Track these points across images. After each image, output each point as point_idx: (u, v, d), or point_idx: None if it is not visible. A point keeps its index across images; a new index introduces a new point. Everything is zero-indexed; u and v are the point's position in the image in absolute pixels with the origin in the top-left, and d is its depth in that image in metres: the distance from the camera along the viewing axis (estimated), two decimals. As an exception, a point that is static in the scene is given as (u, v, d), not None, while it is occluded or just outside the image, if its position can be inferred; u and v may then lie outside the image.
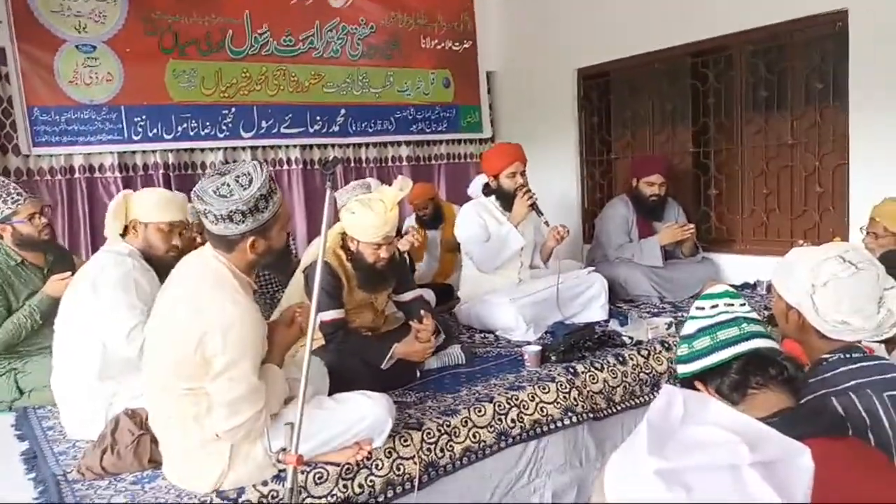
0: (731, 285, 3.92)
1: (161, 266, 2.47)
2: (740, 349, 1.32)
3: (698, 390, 1.34)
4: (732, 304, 1.40)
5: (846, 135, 3.50)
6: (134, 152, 4.11)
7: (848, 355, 1.44)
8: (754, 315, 1.40)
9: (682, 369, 1.40)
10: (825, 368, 1.45)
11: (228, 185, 1.76)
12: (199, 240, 3.26)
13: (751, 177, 4.08)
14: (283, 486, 1.81)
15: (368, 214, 2.53)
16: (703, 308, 1.42)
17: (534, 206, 3.36)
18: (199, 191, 1.78)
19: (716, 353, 1.34)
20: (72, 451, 2.23)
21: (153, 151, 4.16)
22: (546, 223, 3.42)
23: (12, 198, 2.80)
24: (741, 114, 4.07)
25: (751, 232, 4.14)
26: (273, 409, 1.87)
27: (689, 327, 1.42)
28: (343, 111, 4.82)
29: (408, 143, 5.20)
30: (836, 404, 1.35)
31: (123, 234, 2.55)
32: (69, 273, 2.79)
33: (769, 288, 3.71)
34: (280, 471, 1.90)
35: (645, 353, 2.92)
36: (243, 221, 1.76)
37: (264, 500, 1.85)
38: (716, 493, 0.68)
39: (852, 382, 1.38)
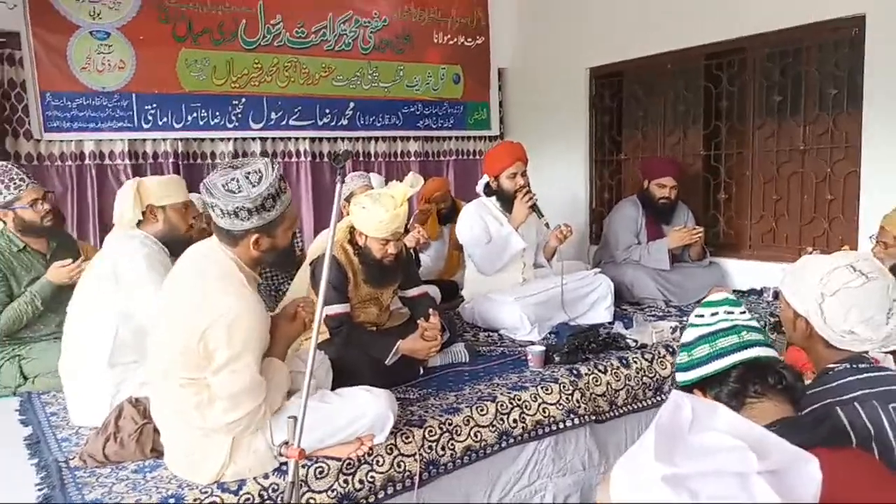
0: (738, 291, 3.96)
1: (180, 249, 2.48)
2: (739, 357, 1.32)
3: None
4: (732, 312, 1.39)
5: (859, 142, 3.47)
6: (144, 140, 4.12)
7: (854, 365, 1.43)
8: (754, 323, 1.40)
9: (682, 377, 1.40)
10: (831, 378, 1.44)
11: (237, 181, 1.76)
12: (207, 230, 3.27)
13: (761, 182, 4.06)
14: (284, 479, 1.84)
15: (378, 210, 2.53)
16: (702, 316, 1.42)
17: (534, 208, 3.34)
18: (208, 184, 1.79)
19: (715, 361, 1.34)
20: (74, 437, 2.24)
21: (163, 140, 4.17)
22: (546, 225, 3.40)
23: (14, 183, 2.79)
24: (754, 118, 4.04)
25: (759, 238, 4.12)
26: (275, 404, 1.88)
27: (689, 335, 1.42)
28: (352, 105, 4.81)
29: (416, 139, 5.19)
30: (841, 414, 1.35)
31: (139, 223, 2.55)
32: (71, 260, 2.80)
33: (776, 294, 3.69)
34: (281, 464, 1.90)
35: (649, 356, 2.91)
36: (249, 219, 1.77)
37: (265, 493, 1.85)
38: (723, 500, 0.68)
39: (858, 393, 1.37)
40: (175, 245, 2.53)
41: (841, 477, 0.84)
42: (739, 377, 1.30)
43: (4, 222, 2.85)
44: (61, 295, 2.68)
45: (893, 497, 1.09)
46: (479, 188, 3.61)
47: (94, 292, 2.43)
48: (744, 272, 4.09)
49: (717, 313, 1.40)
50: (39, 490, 1.87)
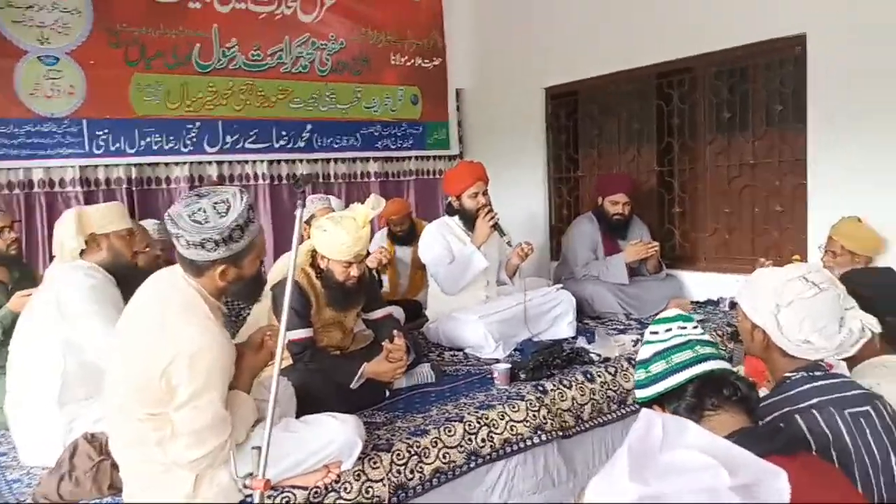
0: (695, 302, 4.05)
1: (126, 277, 2.42)
2: (695, 371, 1.35)
3: None
4: (685, 328, 1.42)
5: (805, 156, 3.61)
6: (96, 167, 4.02)
7: (811, 373, 1.47)
8: (707, 337, 1.43)
9: (641, 394, 1.42)
10: (789, 386, 1.48)
11: (204, 212, 1.71)
12: (162, 257, 3.20)
13: (713, 196, 4.18)
14: (250, 511, 1.78)
15: (340, 233, 2.51)
16: (657, 332, 1.44)
17: (496, 227, 3.37)
18: (173, 214, 1.73)
19: (672, 376, 1.36)
20: (26, 478, 2.15)
21: (116, 166, 4.08)
22: (509, 243, 3.43)
23: None
24: (705, 134, 4.17)
25: (713, 250, 4.23)
26: (240, 438, 1.83)
27: (645, 352, 1.44)
28: (309, 126, 4.79)
29: (376, 160, 5.19)
30: (800, 421, 1.38)
31: (81, 253, 2.48)
32: (32, 291, 2.71)
33: (732, 304, 3.79)
34: (246, 496, 1.85)
35: (612, 370, 2.94)
36: (215, 250, 1.72)
37: (229, 527, 1.80)
38: None
39: (815, 400, 1.41)
40: (120, 273, 2.48)
41: (797, 482, 0.86)
42: (696, 391, 1.33)
43: None
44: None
45: (844, 499, 1.12)
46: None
47: (37, 327, 2.35)
48: (700, 283, 4.19)
49: (670, 329, 1.43)
50: (-11, 535, 1.79)
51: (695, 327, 1.43)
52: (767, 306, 1.52)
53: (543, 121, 5.03)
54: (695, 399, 1.32)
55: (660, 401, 1.37)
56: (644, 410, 0.85)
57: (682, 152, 4.32)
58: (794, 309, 1.49)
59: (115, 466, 1.93)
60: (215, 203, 1.72)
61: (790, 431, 1.34)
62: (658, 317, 1.49)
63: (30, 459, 2.26)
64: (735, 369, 1.46)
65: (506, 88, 5.22)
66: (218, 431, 1.73)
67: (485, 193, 3.43)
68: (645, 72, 4.34)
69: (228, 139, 4.45)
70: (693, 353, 1.37)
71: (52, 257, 2.59)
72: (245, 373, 1.92)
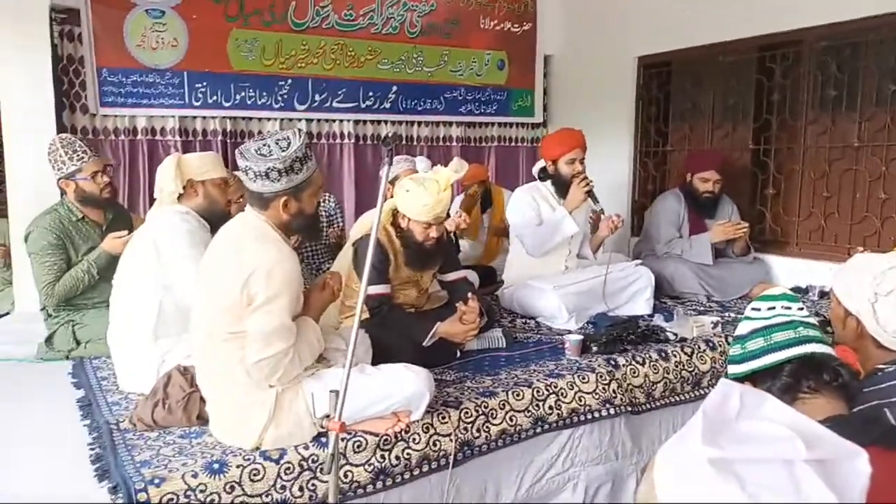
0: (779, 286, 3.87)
1: (220, 224, 2.55)
2: (794, 352, 1.30)
3: None
4: (790, 308, 1.37)
5: (917, 140, 3.37)
6: (194, 118, 4.21)
7: None
8: (812, 320, 1.37)
9: (733, 370, 1.38)
10: (880, 379, 1.42)
11: (268, 146, 1.91)
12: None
13: (811, 178, 3.96)
14: (324, 450, 1.88)
15: (422, 194, 2.55)
16: (759, 309, 1.40)
17: (590, 194, 3.33)
18: (242, 149, 1.93)
19: (768, 354, 1.32)
20: (124, 402, 2.33)
21: (212, 118, 4.25)
22: (602, 211, 3.38)
23: (77, 155, 2.90)
24: (807, 112, 3.93)
25: (807, 235, 4.02)
26: (305, 360, 1.97)
27: (744, 328, 1.40)
28: (395, 88, 4.83)
29: (459, 124, 5.18)
30: (890, 416, 1.33)
31: (179, 197, 2.62)
32: (126, 231, 2.89)
33: (822, 293, 3.61)
34: (320, 434, 1.95)
35: (689, 350, 2.88)
36: (279, 180, 1.90)
37: (305, 463, 1.91)
38: (769, 486, 0.68)
39: None
40: (215, 219, 2.60)
41: (887, 476, 0.82)
42: (793, 372, 1.28)
43: (65, 192, 2.96)
44: (115, 265, 2.77)
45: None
46: (535, 171, 3.61)
47: (137, 266, 2.51)
48: (789, 269, 4.00)
49: (773, 308, 1.38)
50: (92, 449, 1.96)
51: (800, 308, 1.38)
52: (865, 294, 1.45)
53: (633, 91, 4.87)
54: (791, 379, 1.28)
55: (752, 379, 1.34)
56: (722, 380, 0.83)
57: (780, 130, 4.11)
58: (894, 298, 1.41)
59: (203, 399, 2.07)
60: (278, 140, 1.93)
61: (883, 425, 1.29)
62: (763, 294, 1.44)
63: (127, 386, 2.44)
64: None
65: (596, 56, 5.08)
66: (284, 337, 1.89)
67: (582, 161, 3.39)
68: (746, 44, 4.12)
69: (317, 97, 4.55)
70: (794, 334, 1.32)
71: (152, 200, 2.75)
72: (312, 309, 2.10)
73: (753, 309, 1.41)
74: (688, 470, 0.71)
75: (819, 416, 1.18)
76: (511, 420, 2.33)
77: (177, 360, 2.32)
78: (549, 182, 3.49)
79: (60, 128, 3.75)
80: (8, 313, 3.86)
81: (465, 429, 2.22)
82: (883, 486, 0.80)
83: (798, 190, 4.03)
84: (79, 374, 2.65)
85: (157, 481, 1.74)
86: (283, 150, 1.90)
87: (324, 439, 1.95)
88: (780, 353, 1.31)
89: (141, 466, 1.81)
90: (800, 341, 1.31)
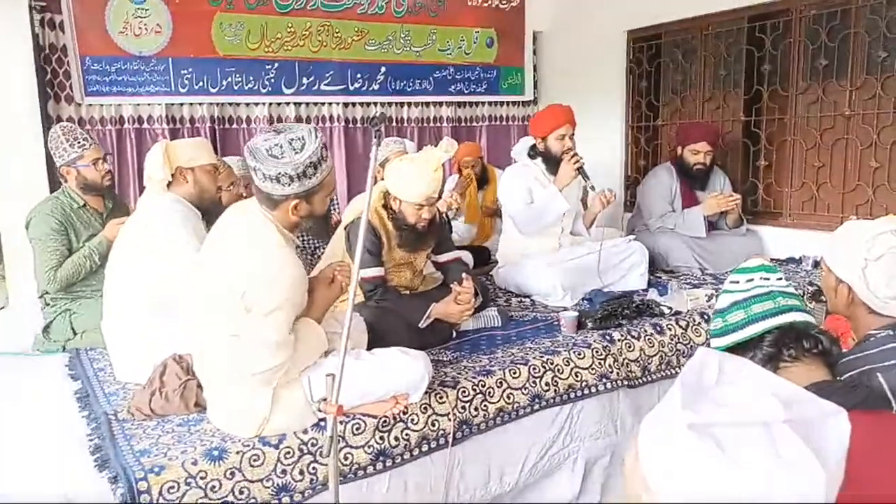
0: (775, 259, 3.89)
1: (210, 211, 2.54)
2: (774, 322, 1.32)
3: None
4: (768, 279, 1.39)
5: (908, 107, 3.36)
6: (181, 105, 4.16)
7: None
8: (790, 289, 1.39)
9: (716, 343, 1.40)
10: (872, 344, 1.43)
11: (281, 147, 1.80)
12: (244, 194, 3.32)
13: (803, 148, 3.95)
14: (323, 434, 1.89)
15: (413, 175, 2.54)
16: (737, 282, 1.41)
17: (580, 170, 3.31)
18: (252, 147, 1.82)
19: (749, 326, 1.34)
20: (121, 392, 2.33)
21: (199, 104, 4.21)
22: (592, 187, 3.38)
23: (78, 142, 2.91)
24: (797, 82, 3.92)
25: (799, 205, 4.03)
26: (307, 361, 1.94)
27: (723, 301, 1.41)
28: (383, 69, 4.78)
29: (449, 104, 5.15)
30: (882, 380, 1.34)
31: (168, 185, 2.60)
32: (126, 218, 2.88)
33: (816, 263, 3.63)
34: (320, 420, 1.96)
35: (683, 323, 2.89)
36: (290, 185, 1.82)
37: (304, 448, 1.92)
38: (747, 448, 0.68)
39: None
40: (205, 206, 2.60)
41: (865, 437, 0.83)
42: (774, 341, 1.30)
43: (66, 179, 2.95)
44: (112, 253, 2.77)
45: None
46: (515, 152, 3.59)
47: (129, 253, 2.50)
48: (782, 240, 4.02)
49: (752, 279, 1.39)
50: (91, 440, 1.96)
51: (779, 279, 1.39)
52: (855, 260, 1.46)
53: (624, 66, 4.84)
54: (772, 349, 1.30)
55: (734, 350, 1.35)
56: (700, 349, 0.84)
57: (771, 101, 4.09)
58: (884, 264, 1.42)
59: (200, 386, 2.08)
60: (291, 140, 1.81)
61: (871, 388, 1.30)
62: (740, 266, 1.46)
63: (124, 376, 2.44)
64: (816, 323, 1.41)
65: (585, 31, 5.04)
66: (278, 354, 1.84)
67: (571, 137, 3.37)
68: (735, 14, 4.10)
69: (305, 81, 4.50)
70: (774, 304, 1.33)
71: (142, 189, 2.74)
72: (318, 305, 2.02)
73: (732, 282, 1.42)
74: (668, 436, 0.71)
75: (803, 383, 1.19)
76: (509, 398, 2.35)
77: (172, 348, 2.32)
78: (539, 160, 3.47)
79: (46, 119, 3.71)
80: (3, 307, 3.85)
81: (463, 408, 2.23)
82: (866, 447, 0.81)
83: (790, 160, 4.03)
84: (75, 365, 2.64)
85: (156, 469, 1.74)
86: (297, 153, 1.80)
87: (323, 423, 1.95)
88: (760, 323, 1.33)
89: (140, 455, 1.81)
90: (779, 311, 1.32)
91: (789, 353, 1.28)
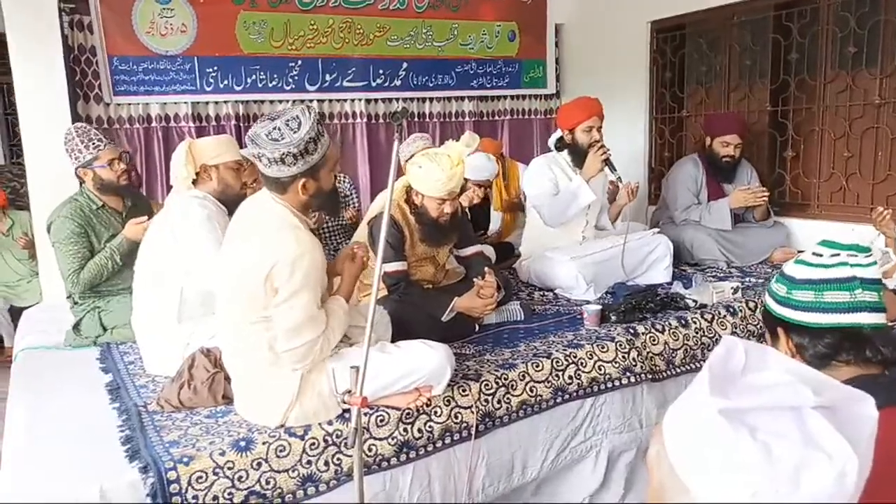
0: (803, 252, 3.81)
1: (236, 207, 2.57)
2: (842, 320, 1.16)
3: (776, 334, 1.25)
4: (856, 256, 1.19)
5: (941, 95, 3.28)
6: (207, 103, 4.22)
7: None
8: (876, 275, 1.18)
9: (773, 306, 1.25)
10: None
11: (279, 129, 1.86)
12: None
13: (831, 138, 3.88)
14: (347, 425, 1.91)
15: (435, 169, 2.55)
16: (820, 255, 1.21)
17: (607, 162, 3.29)
18: (252, 135, 1.89)
19: (814, 312, 1.18)
20: (151, 384, 2.38)
21: (225, 102, 4.26)
22: (619, 179, 3.35)
23: (93, 143, 2.93)
24: (825, 71, 3.85)
25: (828, 197, 3.95)
26: (335, 341, 1.99)
27: (797, 271, 1.22)
28: (405, 65, 4.79)
29: (471, 99, 5.14)
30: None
31: (194, 182, 2.64)
32: (146, 217, 2.92)
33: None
34: (344, 411, 1.98)
35: (709, 316, 2.86)
36: (294, 164, 1.88)
37: (329, 438, 1.94)
38: (780, 433, 0.68)
39: None
40: (231, 203, 2.61)
41: None
42: (833, 345, 1.17)
43: (84, 181, 3.00)
44: (137, 251, 2.81)
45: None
46: (552, 143, 3.57)
47: (157, 252, 2.55)
48: (810, 232, 3.94)
49: (838, 255, 1.20)
50: (121, 431, 2.00)
51: (867, 257, 1.19)
52: None
53: (647, 57, 4.79)
54: (829, 351, 1.18)
55: (785, 325, 1.23)
56: (726, 337, 0.82)
57: (798, 91, 4.02)
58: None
59: (227, 379, 2.12)
60: (287, 121, 1.87)
61: None
62: (827, 239, 1.27)
63: (153, 369, 2.49)
64: (891, 324, 1.26)
65: (607, 23, 4.99)
66: (312, 327, 1.91)
67: (599, 129, 3.36)
68: (761, 3, 4.03)
69: (328, 77, 4.54)
70: (850, 297, 1.16)
71: (170, 187, 2.78)
72: (345, 280, 2.12)
73: (815, 254, 1.23)
74: (699, 423, 0.71)
75: (845, 378, 1.11)
76: (531, 391, 2.35)
77: (200, 342, 2.36)
78: (565, 152, 3.45)
79: (76, 118, 3.78)
80: (37, 303, 3.95)
81: (486, 400, 2.24)
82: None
83: (818, 151, 3.96)
84: (106, 359, 2.70)
85: (185, 460, 1.78)
86: (295, 132, 1.85)
87: (347, 415, 1.98)
88: (827, 315, 1.17)
89: (170, 446, 1.85)
90: (851, 307, 1.16)
91: (844, 357, 1.17)
